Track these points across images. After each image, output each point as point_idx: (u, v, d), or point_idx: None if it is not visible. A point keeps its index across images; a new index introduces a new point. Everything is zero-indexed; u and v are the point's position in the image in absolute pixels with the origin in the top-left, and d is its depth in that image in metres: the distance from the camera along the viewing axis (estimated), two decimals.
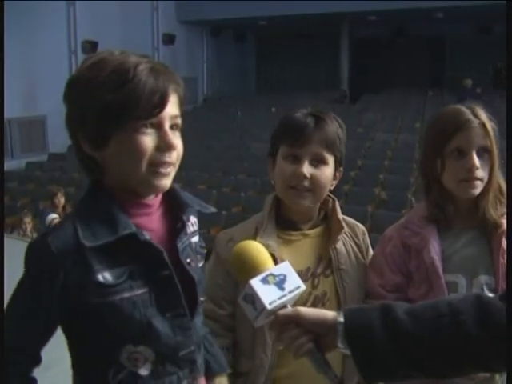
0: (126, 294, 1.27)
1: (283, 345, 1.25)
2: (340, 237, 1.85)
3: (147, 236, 1.30)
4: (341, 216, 1.86)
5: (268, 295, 1.17)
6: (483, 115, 1.82)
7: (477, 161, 1.78)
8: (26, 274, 1.27)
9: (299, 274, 1.74)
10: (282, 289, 1.19)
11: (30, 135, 13.67)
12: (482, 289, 1.84)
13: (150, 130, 1.25)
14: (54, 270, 1.23)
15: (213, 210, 1.47)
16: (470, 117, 1.80)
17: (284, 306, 1.21)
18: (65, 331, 1.34)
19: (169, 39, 18.36)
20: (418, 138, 12.37)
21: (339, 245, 1.85)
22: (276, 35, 21.64)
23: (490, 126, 1.81)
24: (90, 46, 14.37)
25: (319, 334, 1.22)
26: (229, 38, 21.83)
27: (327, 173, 1.78)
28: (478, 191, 1.82)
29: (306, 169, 1.74)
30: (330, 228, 1.86)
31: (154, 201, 1.36)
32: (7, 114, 11.15)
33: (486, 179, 1.82)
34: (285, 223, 1.83)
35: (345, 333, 1.19)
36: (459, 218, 1.87)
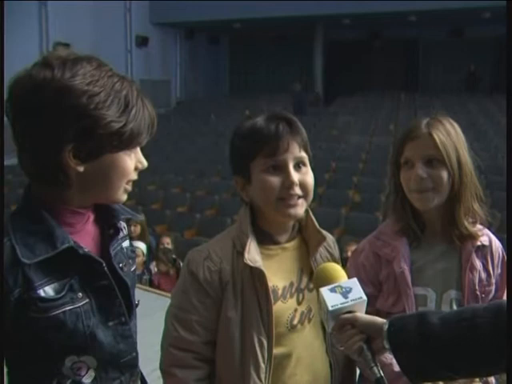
0: (69, 307, 1.26)
1: (342, 344, 1.44)
2: (320, 248, 1.76)
3: (86, 248, 1.30)
4: (318, 226, 1.75)
5: (332, 300, 1.42)
6: (437, 125, 1.79)
7: (421, 171, 1.76)
8: None
9: (284, 290, 1.69)
10: (346, 297, 1.42)
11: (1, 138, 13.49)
12: (451, 304, 1.82)
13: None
14: None
15: (141, 217, 1.48)
16: (421, 127, 1.79)
17: (348, 311, 1.41)
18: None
19: (142, 41, 18.27)
20: (391, 140, 12.46)
21: (317, 256, 1.75)
22: (250, 38, 21.66)
23: (439, 135, 1.76)
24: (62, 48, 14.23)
25: (371, 336, 1.39)
26: (202, 41, 21.80)
27: (311, 174, 1.68)
28: (431, 202, 1.78)
29: (294, 176, 1.63)
30: (306, 239, 1.77)
31: (89, 208, 1.37)
32: None
33: (443, 190, 1.78)
34: (262, 237, 1.71)
35: (387, 335, 1.36)
36: (430, 232, 1.86)
